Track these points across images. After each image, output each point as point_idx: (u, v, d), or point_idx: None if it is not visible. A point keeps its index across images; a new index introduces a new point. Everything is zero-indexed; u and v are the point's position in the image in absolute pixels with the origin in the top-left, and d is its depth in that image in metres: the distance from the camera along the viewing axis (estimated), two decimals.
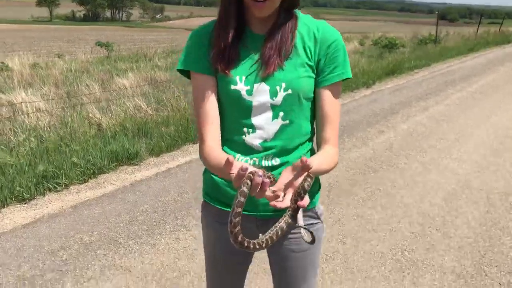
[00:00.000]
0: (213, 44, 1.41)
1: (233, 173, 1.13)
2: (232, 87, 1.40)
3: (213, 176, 1.52)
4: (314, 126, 1.53)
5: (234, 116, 1.44)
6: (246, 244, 1.18)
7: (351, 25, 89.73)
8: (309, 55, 1.41)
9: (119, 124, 6.30)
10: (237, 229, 1.16)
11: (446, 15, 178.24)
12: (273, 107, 1.41)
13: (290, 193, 1.18)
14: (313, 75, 1.42)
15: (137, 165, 5.19)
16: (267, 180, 1.11)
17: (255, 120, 1.42)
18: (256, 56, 1.40)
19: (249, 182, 1.11)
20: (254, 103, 1.40)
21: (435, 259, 3.35)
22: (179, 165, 5.19)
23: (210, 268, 1.71)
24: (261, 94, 1.40)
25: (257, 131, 1.43)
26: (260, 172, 1.11)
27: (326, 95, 1.43)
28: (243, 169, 1.10)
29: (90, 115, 6.72)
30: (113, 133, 5.95)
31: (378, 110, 7.97)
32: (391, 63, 12.58)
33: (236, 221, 1.15)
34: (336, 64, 1.42)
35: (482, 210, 4.17)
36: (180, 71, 1.47)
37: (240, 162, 1.23)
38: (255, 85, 1.39)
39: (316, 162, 1.29)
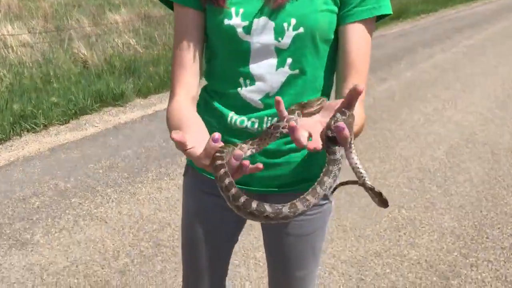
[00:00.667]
0: None
1: (189, 148, 0.83)
2: (226, 22, 1.07)
3: None
4: (334, 78, 1.20)
5: (226, 61, 1.13)
6: (254, 207, 0.81)
7: None
8: None
9: (106, 62, 5.94)
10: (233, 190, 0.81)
11: None
12: (279, 51, 1.08)
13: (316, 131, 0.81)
14: (335, 9, 1.08)
15: (122, 106, 4.88)
16: (246, 163, 0.81)
17: (254, 68, 1.10)
18: None
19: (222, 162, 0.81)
20: (253, 45, 1.08)
21: (434, 218, 3.14)
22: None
23: (188, 247, 1.40)
24: (262, 33, 1.07)
25: (257, 83, 1.11)
26: (238, 150, 0.81)
27: (352, 35, 1.08)
28: (211, 146, 0.80)
29: (76, 51, 6.34)
30: (99, 71, 5.61)
31: (381, 56, 7.58)
32: (396, 7, 11.99)
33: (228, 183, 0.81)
34: None
35: (486, 167, 3.92)
36: (162, 0, 1.15)
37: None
38: (255, 21, 1.06)
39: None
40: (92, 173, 3.45)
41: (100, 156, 3.73)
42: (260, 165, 0.83)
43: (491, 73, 6.97)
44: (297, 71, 1.11)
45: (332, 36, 1.11)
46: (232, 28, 1.07)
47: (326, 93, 1.19)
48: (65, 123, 4.35)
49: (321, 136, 0.81)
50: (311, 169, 1.20)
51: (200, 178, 1.27)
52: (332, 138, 0.81)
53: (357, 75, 1.09)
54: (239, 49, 1.09)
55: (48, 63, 5.83)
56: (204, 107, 1.20)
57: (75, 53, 6.26)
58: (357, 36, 1.09)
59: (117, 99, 4.91)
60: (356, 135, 1.03)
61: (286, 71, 1.10)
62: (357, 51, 1.09)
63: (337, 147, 0.83)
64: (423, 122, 4.84)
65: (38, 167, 3.51)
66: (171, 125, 1.07)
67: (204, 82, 1.25)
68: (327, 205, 1.32)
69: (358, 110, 1.02)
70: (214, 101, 1.17)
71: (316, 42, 1.08)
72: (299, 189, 1.19)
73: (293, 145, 1.16)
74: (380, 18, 1.13)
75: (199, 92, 1.20)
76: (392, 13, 1.13)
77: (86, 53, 6.17)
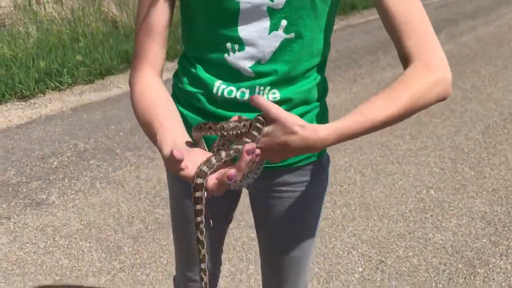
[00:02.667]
0: None
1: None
2: None
3: (180, 107, 1.10)
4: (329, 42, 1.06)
5: (210, 24, 0.98)
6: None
7: None
8: None
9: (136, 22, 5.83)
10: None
11: None
12: (272, 12, 0.94)
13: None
14: None
15: None
16: (232, 173, 0.75)
17: (244, 31, 0.96)
18: None
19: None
20: (243, 5, 0.93)
21: (464, 202, 2.97)
22: None
23: (179, 229, 1.30)
24: None
25: (247, 48, 0.97)
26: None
27: None
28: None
29: (106, 10, 6.25)
30: (129, 31, 5.51)
31: None
32: None
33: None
34: None
35: None
36: None
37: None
38: None
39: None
40: (113, 135, 3.40)
41: (122, 118, 3.67)
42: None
43: None
44: (292, 34, 0.96)
45: None
46: None
47: (323, 59, 1.05)
48: (90, 83, 4.30)
49: None
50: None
51: None
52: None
53: (415, 31, 0.93)
54: (225, 10, 0.95)
55: (77, 21, 5.76)
56: (186, 76, 1.07)
57: (105, 12, 6.17)
58: None
59: None
60: (429, 104, 0.93)
61: (280, 35, 0.96)
62: (401, 4, 0.93)
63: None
64: (460, 99, 4.59)
65: (59, 127, 3.48)
66: (141, 116, 0.95)
67: (180, 48, 1.10)
68: (323, 179, 1.19)
69: (424, 79, 0.91)
70: (197, 70, 1.03)
71: (315, 2, 0.94)
72: (292, 164, 1.11)
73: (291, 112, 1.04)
74: None
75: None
76: None
77: (116, 13, 6.07)
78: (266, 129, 0.82)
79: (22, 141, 3.25)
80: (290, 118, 0.81)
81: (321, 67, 1.06)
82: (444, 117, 4.15)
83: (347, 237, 2.57)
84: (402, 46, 0.94)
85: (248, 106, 1.00)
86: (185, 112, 1.09)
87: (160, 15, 0.97)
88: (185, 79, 1.07)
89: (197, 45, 1.04)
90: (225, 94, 1.01)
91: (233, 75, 0.99)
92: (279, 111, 0.81)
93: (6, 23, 5.94)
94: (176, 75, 1.12)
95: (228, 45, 0.98)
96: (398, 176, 3.19)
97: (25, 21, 5.73)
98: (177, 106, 1.11)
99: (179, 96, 1.12)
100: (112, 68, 4.52)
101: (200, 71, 1.03)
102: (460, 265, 2.42)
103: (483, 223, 2.76)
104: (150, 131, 0.92)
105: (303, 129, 0.81)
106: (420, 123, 3.99)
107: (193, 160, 0.79)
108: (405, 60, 0.94)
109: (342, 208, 2.81)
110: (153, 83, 0.99)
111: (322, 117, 1.12)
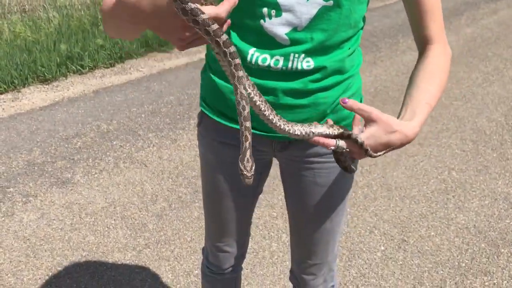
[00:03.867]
0: None
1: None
2: None
3: (213, 76, 1.10)
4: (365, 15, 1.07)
5: None
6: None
7: None
8: None
9: None
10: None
11: None
12: None
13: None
14: None
15: (168, 52, 4.81)
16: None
17: None
18: None
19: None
20: None
21: (487, 183, 2.95)
22: None
23: (210, 200, 1.31)
24: None
25: (284, 14, 0.96)
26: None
27: None
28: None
29: None
30: None
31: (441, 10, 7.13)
32: None
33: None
34: None
35: None
36: None
37: None
38: None
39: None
40: (135, 117, 3.43)
41: (143, 100, 3.70)
42: None
43: None
44: (331, 2, 0.95)
45: None
46: None
47: (359, 31, 1.06)
48: (111, 67, 4.33)
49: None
50: (339, 112, 1.09)
51: (215, 126, 1.16)
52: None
53: (432, 15, 1.02)
54: None
55: (96, 5, 5.79)
56: None
57: None
58: None
59: (163, 45, 4.83)
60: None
61: (318, 1, 0.95)
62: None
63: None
64: (481, 82, 4.53)
65: (82, 109, 3.52)
66: (105, 6, 0.85)
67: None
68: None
69: (440, 59, 1.03)
70: (232, 37, 1.02)
71: None
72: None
73: (322, 83, 1.04)
74: None
75: None
76: None
77: None
78: (369, 130, 0.88)
79: (46, 122, 3.30)
80: (390, 119, 0.88)
81: (356, 39, 1.06)
82: (465, 100, 4.10)
83: (368, 217, 2.57)
84: (424, 30, 1.04)
85: (281, 74, 1.01)
86: (218, 80, 1.10)
87: None
88: None
89: (233, 10, 1.04)
90: (259, 61, 1.01)
91: (268, 42, 0.99)
92: (378, 113, 0.88)
93: (27, 8, 5.99)
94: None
95: (265, 10, 0.96)
96: (420, 157, 3.17)
97: (45, 6, 5.78)
98: (210, 75, 1.12)
99: (212, 65, 1.13)
100: (132, 52, 4.55)
101: (235, 38, 1.02)
102: (483, 245, 2.41)
103: (506, 204, 2.74)
104: (112, 8, 0.83)
105: (402, 126, 0.89)
106: (441, 106, 3.95)
107: None
108: (424, 42, 1.05)
109: (363, 188, 2.81)
110: None
111: (355, 87, 1.12)
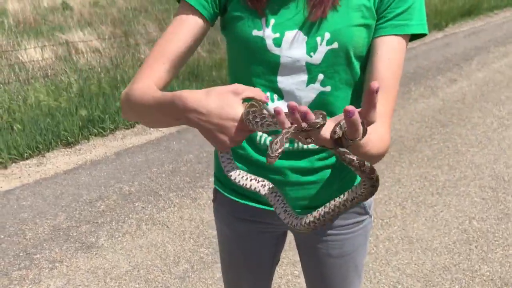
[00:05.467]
0: None
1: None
2: (254, 32, 1.00)
3: None
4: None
5: (253, 75, 1.05)
6: None
7: None
8: None
9: None
10: None
11: None
12: (310, 67, 1.01)
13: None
14: (372, 23, 1.00)
15: None
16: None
17: (283, 82, 1.03)
18: None
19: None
20: (283, 59, 1.00)
21: (509, 231, 2.92)
22: None
23: (229, 271, 1.36)
24: (294, 47, 0.99)
25: (286, 98, 1.04)
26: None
27: (382, 49, 0.99)
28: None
29: (143, 56, 6.52)
30: None
31: (451, 55, 7.24)
32: (467, 3, 11.43)
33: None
34: (405, 9, 0.98)
35: None
36: None
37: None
38: (287, 33, 0.99)
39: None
40: (155, 177, 3.51)
41: (163, 160, 3.79)
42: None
43: None
44: (328, 88, 1.03)
45: (366, 51, 1.03)
46: (261, 39, 1.00)
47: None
48: (131, 127, 4.47)
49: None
50: (347, 184, 1.13)
51: (230, 203, 1.21)
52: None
53: (385, 93, 0.97)
54: (267, 62, 1.02)
55: (115, 68, 6.02)
56: None
57: (141, 58, 6.44)
58: (389, 49, 0.99)
59: None
60: (375, 156, 0.92)
61: (317, 87, 1.02)
62: (389, 66, 0.99)
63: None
64: (496, 127, 4.55)
65: (104, 171, 3.62)
66: (139, 99, 0.94)
67: None
68: (367, 220, 1.23)
69: (381, 129, 0.94)
70: None
71: (350, 58, 1.00)
72: None
73: (328, 161, 1.09)
74: (416, 37, 1.03)
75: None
76: (427, 33, 1.03)
77: None
78: None
79: (70, 186, 3.40)
80: None
81: None
82: (482, 146, 4.12)
83: (391, 272, 2.56)
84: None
85: (288, 154, 1.07)
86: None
87: (178, 47, 1.01)
88: None
89: None
90: (267, 142, 1.08)
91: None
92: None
93: (49, 73, 6.26)
94: None
95: (268, 94, 1.04)
96: (439, 207, 3.17)
97: (66, 70, 6.03)
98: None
99: None
100: None
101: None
102: None
103: None
104: (150, 100, 0.92)
105: None
106: (458, 153, 3.97)
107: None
108: None
109: (384, 242, 2.81)
110: (153, 86, 0.98)
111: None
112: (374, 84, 0.71)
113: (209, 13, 1.03)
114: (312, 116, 0.74)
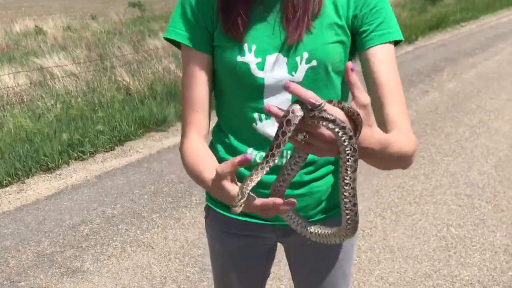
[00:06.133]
0: (219, 5, 1.08)
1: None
2: (239, 58, 1.06)
3: None
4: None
5: (240, 98, 1.12)
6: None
7: None
8: (340, 12, 1.06)
9: (148, 88, 6.09)
10: None
11: None
12: None
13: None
14: (346, 40, 1.07)
15: (165, 131, 4.98)
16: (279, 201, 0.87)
17: (269, 101, 1.09)
18: (273, 18, 1.06)
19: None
20: (267, 81, 1.07)
21: (485, 236, 3.02)
22: (211, 130, 4.95)
23: (220, 285, 1.41)
24: (276, 69, 1.07)
25: (272, 117, 1.11)
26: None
27: (377, 56, 1.04)
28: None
29: (119, 78, 6.54)
30: (142, 97, 5.75)
31: (422, 68, 7.45)
32: (435, 17, 11.81)
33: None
34: (382, 20, 1.06)
35: None
36: (168, 39, 1.14)
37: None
38: (269, 57, 1.06)
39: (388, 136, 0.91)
40: (138, 199, 3.53)
41: (144, 181, 3.81)
42: (293, 200, 0.87)
43: None
44: None
45: (344, 67, 1.09)
46: (246, 65, 1.07)
47: None
48: (111, 150, 4.48)
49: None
50: (332, 198, 1.20)
51: (221, 218, 1.26)
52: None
53: (395, 96, 1.03)
54: (252, 85, 1.08)
55: (93, 92, 6.03)
56: (221, 145, 1.20)
57: (118, 81, 6.45)
58: (382, 56, 1.05)
59: (160, 124, 5.01)
60: (408, 155, 0.98)
61: None
62: (387, 70, 1.05)
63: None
64: (468, 135, 4.70)
65: (86, 195, 3.62)
66: (187, 165, 1.10)
67: (214, 119, 1.23)
68: None
69: (404, 128, 1.00)
70: (230, 139, 1.16)
71: (329, 74, 1.08)
72: (323, 218, 1.20)
73: (315, 174, 1.16)
74: (395, 44, 1.11)
75: (210, 130, 1.20)
76: (403, 39, 1.11)
77: (128, 80, 6.35)
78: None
79: (52, 212, 3.39)
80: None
81: None
82: (456, 154, 4.25)
83: (375, 281, 2.62)
84: (388, 112, 1.03)
85: (278, 169, 1.13)
86: None
87: (201, 90, 1.12)
88: (220, 147, 1.19)
89: (229, 116, 1.17)
90: (257, 159, 1.13)
91: (263, 141, 1.12)
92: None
93: (25, 99, 6.22)
94: (212, 144, 1.24)
95: (256, 115, 1.10)
96: (418, 216, 3.26)
97: (43, 95, 6.01)
98: None
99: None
100: (131, 134, 4.71)
101: (233, 140, 1.16)
102: None
103: (507, 256, 2.81)
104: (199, 177, 1.06)
105: (375, 126, 0.85)
106: (433, 162, 4.09)
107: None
108: (390, 121, 1.03)
109: (367, 252, 2.88)
110: (199, 143, 1.12)
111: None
112: (348, 64, 0.76)
113: (209, 48, 1.11)
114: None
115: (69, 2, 36.90)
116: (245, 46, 1.06)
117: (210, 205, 1.29)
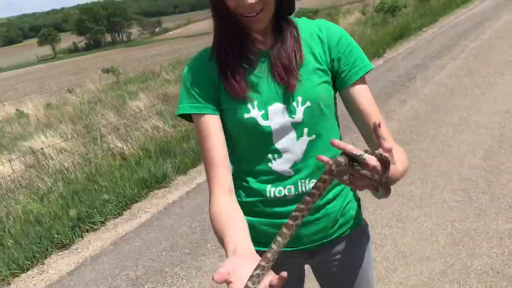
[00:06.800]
0: (221, 71, 1.29)
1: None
2: (246, 116, 1.27)
3: (246, 218, 1.41)
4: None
5: (253, 145, 1.32)
6: None
7: None
8: (319, 59, 1.29)
9: (141, 149, 6.28)
10: None
11: None
12: (295, 126, 1.29)
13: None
14: (329, 79, 1.30)
15: (166, 187, 5.15)
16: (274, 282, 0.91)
17: (279, 144, 1.30)
18: (266, 74, 1.28)
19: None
20: (274, 127, 1.28)
21: (488, 225, 3.21)
22: None
23: None
24: (278, 116, 1.27)
25: (284, 155, 1.30)
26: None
27: (358, 92, 1.29)
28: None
29: (112, 145, 6.73)
30: (137, 159, 5.93)
31: (395, 78, 7.78)
32: (397, 27, 12.29)
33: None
34: (354, 58, 1.30)
35: None
36: (180, 115, 1.33)
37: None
38: (270, 108, 1.27)
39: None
40: (157, 257, 3.66)
41: (159, 239, 3.95)
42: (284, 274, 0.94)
43: (506, 68, 7.06)
44: (314, 136, 1.30)
45: (331, 101, 1.33)
46: (253, 119, 1.28)
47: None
48: (119, 216, 4.62)
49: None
50: (346, 214, 1.40)
51: None
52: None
53: (388, 134, 1.26)
54: (262, 133, 1.28)
55: (89, 163, 6.20)
56: (241, 189, 1.37)
57: (111, 148, 6.64)
58: (362, 92, 1.30)
59: (161, 181, 5.18)
60: (407, 169, 1.24)
61: (305, 139, 1.30)
62: (368, 102, 1.29)
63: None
64: (452, 134, 4.95)
65: (106, 263, 3.75)
66: (216, 230, 1.22)
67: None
68: (366, 238, 1.49)
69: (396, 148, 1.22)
70: (249, 182, 1.35)
71: (322, 110, 1.29)
72: (341, 234, 1.40)
73: (327, 197, 1.35)
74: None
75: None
76: (373, 67, 1.36)
77: (121, 145, 6.54)
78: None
79: (78, 286, 3.51)
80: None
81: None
82: (445, 154, 4.47)
83: (395, 287, 2.78)
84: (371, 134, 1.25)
85: (296, 198, 1.32)
86: (248, 218, 1.40)
87: (219, 150, 1.29)
88: (241, 193, 1.38)
89: (245, 163, 1.36)
90: (276, 194, 1.33)
91: (278, 177, 1.31)
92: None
93: (23, 183, 6.36)
94: (235, 192, 1.43)
95: (270, 156, 1.31)
96: (422, 219, 3.44)
97: (41, 176, 6.16)
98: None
99: (240, 207, 1.44)
100: (135, 196, 4.87)
101: (253, 182, 1.34)
102: (505, 283, 2.63)
103: None
104: (221, 240, 1.19)
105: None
106: (425, 166, 4.30)
107: (240, 274, 0.94)
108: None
109: (382, 262, 3.04)
110: (224, 201, 1.27)
111: (352, 193, 1.43)
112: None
113: (217, 109, 1.31)
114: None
115: (42, 81, 37.45)
116: (249, 104, 1.27)
117: None
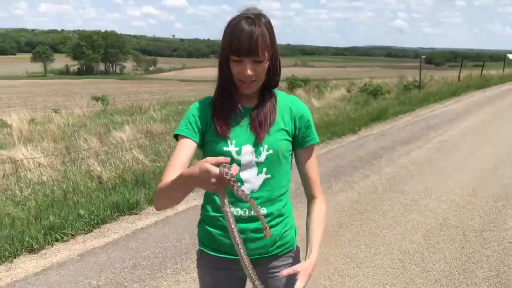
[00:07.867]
0: (214, 115, 1.79)
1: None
2: (225, 148, 1.76)
3: (207, 227, 1.86)
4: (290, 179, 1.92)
5: None
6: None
7: (339, 72, 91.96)
8: (286, 123, 1.81)
9: (118, 176, 6.67)
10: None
11: (432, 60, 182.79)
12: (258, 164, 1.77)
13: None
14: (289, 138, 1.81)
15: (137, 214, 5.52)
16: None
17: (243, 174, 1.77)
18: (245, 124, 1.79)
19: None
20: (243, 162, 1.76)
21: None
22: (177, 213, 5.53)
23: None
24: (248, 154, 1.76)
25: (245, 184, 1.77)
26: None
27: (305, 155, 1.84)
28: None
29: (91, 168, 7.10)
30: (113, 184, 6.31)
31: (364, 155, 8.42)
32: (376, 109, 13.15)
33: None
34: (309, 131, 1.84)
35: (458, 246, 4.53)
36: (175, 136, 1.79)
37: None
38: (243, 147, 1.76)
39: (318, 238, 1.79)
40: (119, 272, 4.01)
41: (123, 257, 4.31)
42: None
43: (463, 164, 7.77)
44: (269, 175, 1.79)
45: (288, 154, 1.84)
46: (229, 152, 1.76)
47: (287, 190, 1.88)
48: (89, 232, 4.96)
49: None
50: (284, 238, 1.88)
51: (211, 258, 1.88)
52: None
53: (314, 183, 1.86)
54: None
55: (67, 181, 6.54)
56: (209, 205, 1.85)
57: (90, 170, 7.01)
58: (308, 155, 1.86)
59: (132, 208, 5.56)
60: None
61: (263, 176, 1.79)
62: (310, 166, 1.86)
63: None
64: (402, 212, 5.50)
65: (72, 270, 4.07)
66: (161, 189, 1.58)
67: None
68: (297, 258, 1.95)
69: (322, 205, 1.87)
70: (216, 201, 1.80)
71: (280, 158, 1.80)
72: (278, 253, 1.87)
73: (271, 223, 1.83)
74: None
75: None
76: (319, 141, 1.91)
77: (100, 170, 6.92)
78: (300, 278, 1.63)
79: (42, 285, 3.81)
80: (304, 266, 1.66)
81: (287, 195, 1.89)
82: (392, 227, 4.99)
83: None
84: (311, 192, 1.87)
85: (249, 219, 1.80)
86: (211, 229, 1.86)
87: (183, 158, 1.72)
88: (208, 207, 1.86)
89: None
90: (235, 213, 1.80)
91: (238, 200, 1.78)
92: (299, 268, 1.65)
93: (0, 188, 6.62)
94: (203, 206, 1.90)
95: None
96: (359, 278, 3.90)
97: (21, 185, 6.46)
98: (205, 227, 1.89)
99: (206, 220, 1.90)
100: (106, 217, 5.22)
101: (219, 202, 1.83)
102: None
103: None
104: (167, 186, 1.54)
105: (310, 262, 1.68)
106: (372, 234, 4.81)
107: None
108: (312, 196, 1.88)
109: None
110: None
111: (291, 223, 1.91)
112: (282, 273, 1.60)
113: (199, 140, 1.80)
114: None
115: (28, 96, 37.60)
116: (228, 141, 1.77)
117: (202, 249, 1.92)
